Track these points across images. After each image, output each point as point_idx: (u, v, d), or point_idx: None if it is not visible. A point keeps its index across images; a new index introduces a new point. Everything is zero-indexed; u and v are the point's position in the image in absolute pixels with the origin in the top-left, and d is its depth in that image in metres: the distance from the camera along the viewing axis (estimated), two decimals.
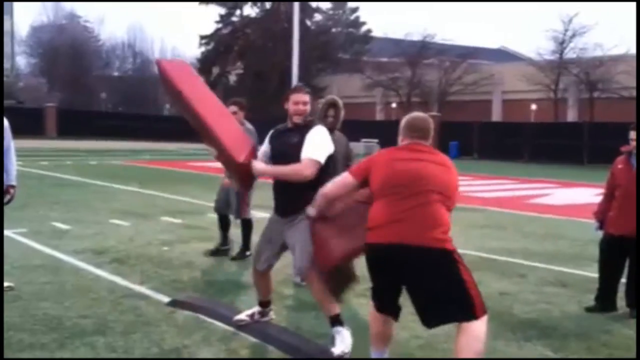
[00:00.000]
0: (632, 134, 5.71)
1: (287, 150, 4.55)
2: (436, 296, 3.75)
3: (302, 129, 4.57)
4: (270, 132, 4.86)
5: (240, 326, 5.02)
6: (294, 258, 4.63)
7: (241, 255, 7.63)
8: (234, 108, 7.30)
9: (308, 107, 4.65)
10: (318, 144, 4.52)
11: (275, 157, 4.67)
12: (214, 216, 11.11)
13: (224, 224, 7.97)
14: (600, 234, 6.01)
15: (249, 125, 7.33)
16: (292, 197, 4.54)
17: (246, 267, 7.21)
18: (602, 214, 6.01)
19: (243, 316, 5.09)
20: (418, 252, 3.72)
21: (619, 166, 5.91)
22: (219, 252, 7.82)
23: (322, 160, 4.51)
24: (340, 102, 6.14)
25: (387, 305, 4.03)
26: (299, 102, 4.60)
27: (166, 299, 5.84)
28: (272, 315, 5.16)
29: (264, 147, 4.82)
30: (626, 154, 5.88)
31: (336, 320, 4.53)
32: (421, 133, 4.08)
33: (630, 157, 5.82)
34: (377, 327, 4.14)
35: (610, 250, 5.84)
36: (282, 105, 4.70)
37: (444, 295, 3.73)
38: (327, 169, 4.56)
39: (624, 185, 5.80)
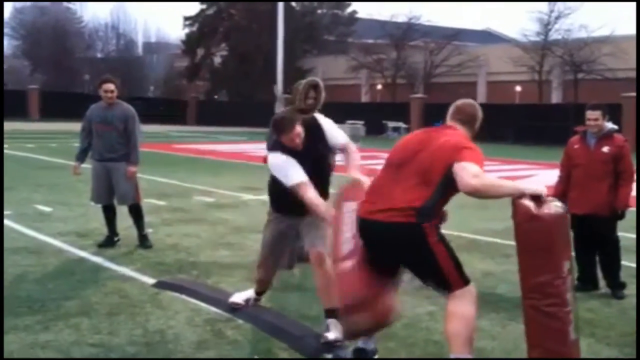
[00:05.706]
0: (589, 114, 5.77)
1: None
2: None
3: None
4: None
5: (233, 308, 4.99)
6: (307, 241, 4.59)
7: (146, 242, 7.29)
8: (112, 86, 7.16)
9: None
10: None
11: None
12: (199, 199, 11.17)
13: (110, 214, 7.34)
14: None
15: (126, 105, 7.33)
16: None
17: (231, 249, 7.21)
18: (561, 196, 5.94)
19: (239, 300, 5.04)
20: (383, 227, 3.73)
21: (575, 146, 5.96)
22: (108, 244, 7.24)
23: None
24: (322, 84, 6.09)
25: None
26: (294, 138, 4.43)
27: (151, 281, 5.84)
28: (262, 299, 5.16)
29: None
30: (581, 134, 5.95)
31: (332, 315, 4.46)
32: (461, 116, 4.19)
33: (585, 137, 5.89)
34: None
35: (578, 229, 5.83)
36: (279, 136, 4.46)
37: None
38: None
39: (583, 164, 5.85)
